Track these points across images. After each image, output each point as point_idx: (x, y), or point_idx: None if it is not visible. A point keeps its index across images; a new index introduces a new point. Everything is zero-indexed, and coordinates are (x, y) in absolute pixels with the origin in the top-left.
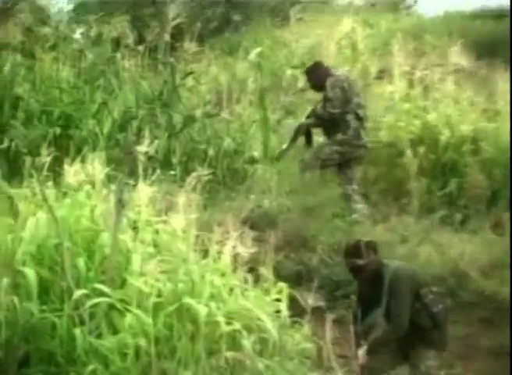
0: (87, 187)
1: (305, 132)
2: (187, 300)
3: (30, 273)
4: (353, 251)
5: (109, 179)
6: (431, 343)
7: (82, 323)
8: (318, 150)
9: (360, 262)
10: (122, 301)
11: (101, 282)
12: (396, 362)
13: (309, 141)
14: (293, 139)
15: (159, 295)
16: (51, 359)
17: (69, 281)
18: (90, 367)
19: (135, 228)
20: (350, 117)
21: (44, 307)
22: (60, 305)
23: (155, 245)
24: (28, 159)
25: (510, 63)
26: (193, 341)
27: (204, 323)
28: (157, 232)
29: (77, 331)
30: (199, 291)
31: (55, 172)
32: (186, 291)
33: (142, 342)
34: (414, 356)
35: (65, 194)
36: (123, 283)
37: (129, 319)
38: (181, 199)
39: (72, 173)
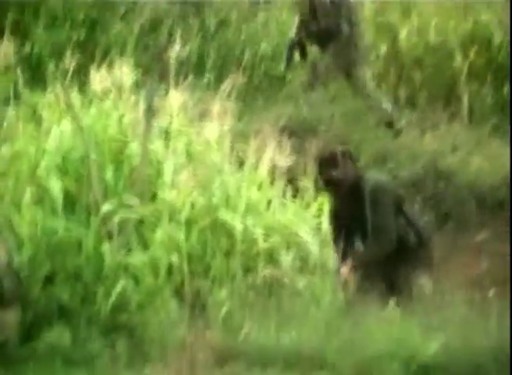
0: (115, 94)
1: (299, 47)
2: (222, 214)
3: (55, 186)
4: (327, 161)
5: (138, 85)
6: (416, 262)
7: (110, 238)
8: (314, 68)
9: (336, 173)
10: (152, 215)
11: (130, 195)
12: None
13: (304, 54)
14: (289, 58)
15: (192, 209)
16: (78, 278)
17: (96, 195)
18: (120, 285)
19: (166, 137)
20: (342, 25)
21: (70, 222)
22: (86, 221)
23: (187, 156)
24: (51, 65)
25: (510, 62)
26: (229, 258)
27: (240, 238)
28: (189, 142)
29: (105, 248)
30: (234, 204)
31: (80, 79)
32: (221, 205)
33: (174, 259)
34: (399, 277)
35: (91, 102)
36: (154, 197)
37: (160, 234)
38: (215, 107)
39: (98, 79)
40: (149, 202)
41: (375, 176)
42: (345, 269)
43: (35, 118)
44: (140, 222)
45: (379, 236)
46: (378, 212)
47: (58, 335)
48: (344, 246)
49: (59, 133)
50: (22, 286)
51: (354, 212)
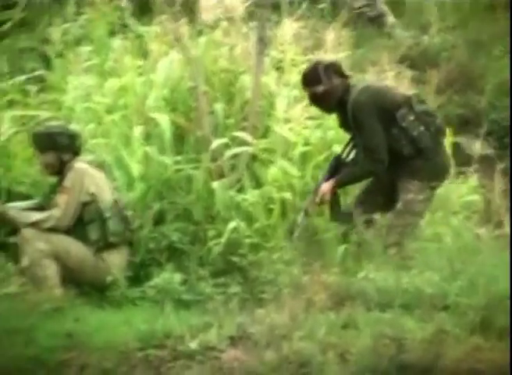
0: (225, 23)
1: None
2: (337, 149)
3: (164, 120)
4: (310, 76)
5: (249, 15)
6: (413, 172)
7: (221, 175)
8: None
9: (319, 88)
10: (265, 150)
11: (242, 130)
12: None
13: None
14: None
15: (306, 144)
16: (188, 216)
17: (206, 129)
18: (232, 224)
19: (279, 69)
20: None
21: (179, 158)
22: (196, 156)
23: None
24: None
25: (510, 58)
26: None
27: None
28: None
29: (216, 185)
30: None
31: (189, 8)
32: (337, 139)
33: (288, 196)
34: (397, 190)
35: (200, 32)
36: (266, 131)
37: (273, 170)
38: (330, 36)
39: (208, 8)
40: (262, 137)
41: (360, 86)
42: (326, 186)
43: (142, 50)
44: (253, 158)
45: (365, 156)
46: (361, 129)
47: (168, 276)
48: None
49: (167, 65)
50: (130, 227)
51: (345, 127)
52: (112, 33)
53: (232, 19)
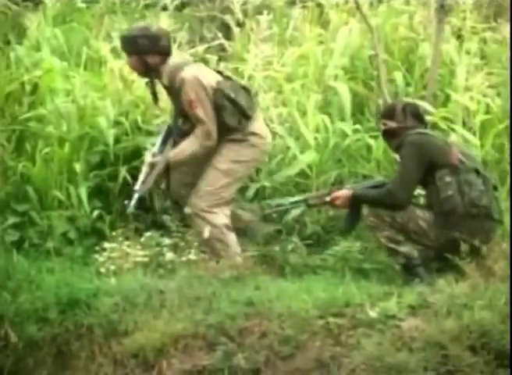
0: None
1: None
2: None
3: (343, 88)
4: (387, 111)
5: None
6: (466, 233)
7: None
8: None
9: (392, 124)
10: (445, 119)
11: (422, 98)
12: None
13: None
14: None
15: (487, 112)
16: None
17: (386, 97)
18: None
19: (459, 37)
20: None
21: (358, 126)
22: (376, 125)
23: (482, 56)
24: None
25: (511, 58)
26: None
27: None
28: (484, 41)
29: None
30: None
31: None
32: None
33: None
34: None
35: (380, 1)
36: (446, 100)
37: (453, 139)
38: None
39: None
40: (442, 106)
41: (419, 132)
42: (345, 191)
43: (322, 19)
44: (433, 126)
45: (389, 185)
46: (402, 165)
47: (348, 244)
48: None
49: (347, 33)
50: None
51: None
52: (292, 2)
53: None
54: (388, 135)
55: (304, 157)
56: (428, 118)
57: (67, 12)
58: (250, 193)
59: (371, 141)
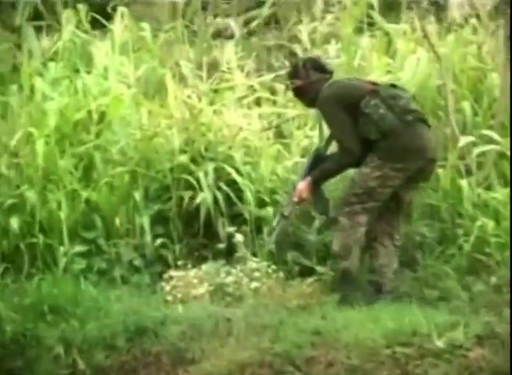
0: (473, 21)
1: None
2: None
3: None
4: (291, 71)
5: (497, 12)
6: (375, 151)
7: (468, 173)
8: None
9: (298, 82)
10: None
11: (490, 128)
12: None
13: None
14: None
15: None
16: (435, 213)
17: (454, 127)
18: (479, 222)
19: None
20: None
21: None
22: (444, 154)
23: None
24: None
25: (511, 58)
26: None
27: None
28: None
29: (463, 183)
30: None
31: (437, 5)
32: None
33: None
34: None
35: (448, 30)
36: None
37: None
38: None
39: (456, 5)
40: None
41: (330, 82)
42: (302, 184)
43: (390, 48)
44: (500, 156)
45: (338, 149)
46: (329, 123)
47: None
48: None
49: (415, 62)
50: None
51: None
52: (360, 31)
53: (480, 17)
54: (297, 93)
55: None
56: (495, 148)
57: (134, 41)
58: None
59: (439, 171)
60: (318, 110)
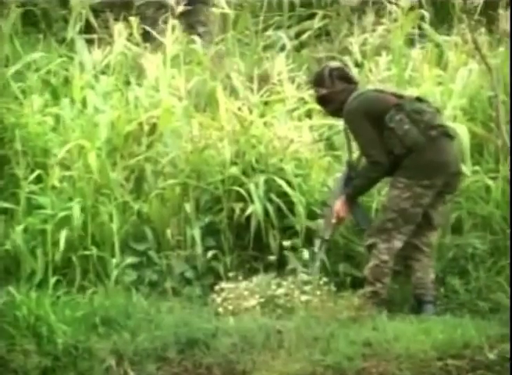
0: None
1: None
2: None
3: (462, 129)
4: (316, 79)
5: None
6: (401, 170)
7: None
8: None
9: (322, 91)
10: None
11: None
12: None
13: None
14: None
15: None
16: (486, 225)
17: (505, 138)
18: None
19: None
20: None
21: (477, 168)
22: (495, 166)
23: None
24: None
25: (511, 58)
26: None
27: None
28: None
29: None
30: None
31: (488, 17)
32: None
33: None
34: None
35: (499, 41)
36: None
37: None
38: None
39: (506, 16)
40: None
41: (358, 93)
42: (338, 204)
43: (441, 59)
44: None
45: (366, 161)
46: (355, 136)
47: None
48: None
49: (466, 74)
50: None
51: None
52: (411, 43)
53: None
54: (321, 102)
55: None
56: None
57: (186, 53)
58: None
59: (490, 182)
60: (345, 123)
